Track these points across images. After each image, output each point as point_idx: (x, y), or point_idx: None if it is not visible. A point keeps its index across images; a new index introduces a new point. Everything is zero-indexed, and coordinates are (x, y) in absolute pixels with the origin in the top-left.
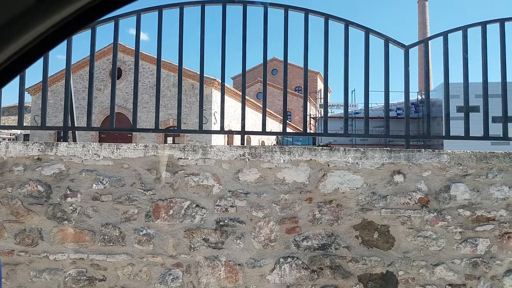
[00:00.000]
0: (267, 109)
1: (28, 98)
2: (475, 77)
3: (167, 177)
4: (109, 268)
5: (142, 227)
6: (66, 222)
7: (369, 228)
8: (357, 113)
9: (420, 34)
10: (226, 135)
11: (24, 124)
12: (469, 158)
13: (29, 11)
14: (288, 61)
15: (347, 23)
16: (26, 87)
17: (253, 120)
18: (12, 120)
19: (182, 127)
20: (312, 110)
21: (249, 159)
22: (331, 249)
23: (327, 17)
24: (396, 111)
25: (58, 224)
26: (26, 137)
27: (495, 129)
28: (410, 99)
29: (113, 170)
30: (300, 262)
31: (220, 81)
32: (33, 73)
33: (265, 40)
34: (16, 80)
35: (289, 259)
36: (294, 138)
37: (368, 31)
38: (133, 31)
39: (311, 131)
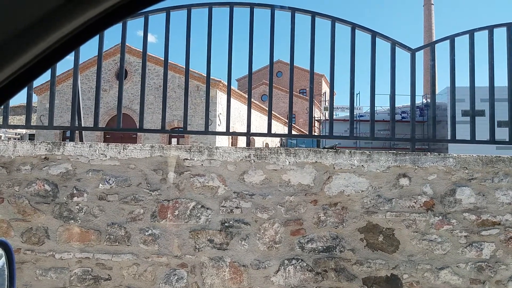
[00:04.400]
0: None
1: (34, 98)
2: (481, 81)
3: (173, 177)
4: (115, 268)
5: (147, 227)
6: (72, 221)
7: (374, 231)
8: (361, 116)
9: (425, 38)
10: (230, 137)
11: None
12: (475, 162)
13: (56, 11)
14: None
15: (354, 26)
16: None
17: (258, 122)
18: (18, 120)
19: (187, 128)
20: (316, 113)
21: (254, 161)
22: (335, 251)
23: (333, 20)
24: (400, 115)
25: (64, 223)
26: (31, 137)
27: (500, 133)
28: (415, 102)
29: (119, 170)
30: (305, 264)
31: (225, 82)
32: None
33: (272, 43)
34: None
35: (293, 261)
36: (299, 141)
37: (374, 34)
38: (141, 33)
39: (316, 134)
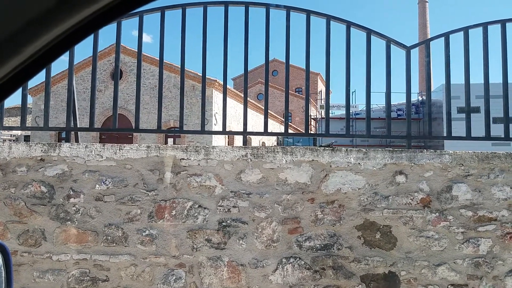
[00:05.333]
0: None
1: (28, 99)
2: (476, 78)
3: (170, 177)
4: (112, 269)
5: (145, 227)
6: (69, 222)
7: (372, 229)
8: (357, 114)
9: (420, 35)
10: (226, 136)
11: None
12: (470, 159)
13: (51, 10)
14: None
15: (349, 24)
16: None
17: (254, 121)
18: (13, 121)
19: (183, 128)
20: (312, 111)
21: (251, 160)
22: (333, 249)
23: (329, 18)
24: (396, 112)
25: (61, 224)
26: (26, 138)
27: (495, 130)
28: (411, 100)
29: (116, 170)
30: (303, 262)
31: (220, 82)
32: None
33: (267, 41)
34: None
35: (291, 260)
36: (295, 139)
37: (369, 32)
38: (135, 33)
39: (312, 132)
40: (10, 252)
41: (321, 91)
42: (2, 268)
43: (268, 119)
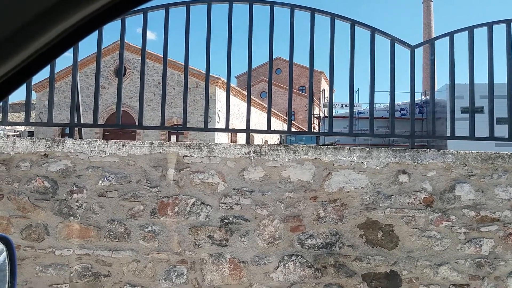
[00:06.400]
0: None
1: (32, 95)
2: (480, 78)
3: (173, 174)
4: (114, 264)
5: (147, 223)
6: (72, 218)
7: (374, 228)
8: (360, 113)
9: (425, 34)
10: (229, 135)
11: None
12: (474, 159)
13: (55, 6)
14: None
15: (353, 23)
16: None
17: (257, 119)
18: (17, 117)
19: (186, 125)
20: (315, 110)
21: (254, 157)
22: (335, 247)
23: (333, 16)
24: (400, 112)
25: (64, 220)
26: (30, 134)
27: (499, 130)
28: (415, 99)
29: (119, 167)
30: (304, 260)
31: (224, 79)
32: None
33: (271, 39)
34: None
35: (293, 257)
36: (298, 138)
37: (374, 30)
38: (140, 30)
39: (315, 131)
40: (14, 246)
41: (324, 89)
42: (7, 261)
43: (271, 117)
